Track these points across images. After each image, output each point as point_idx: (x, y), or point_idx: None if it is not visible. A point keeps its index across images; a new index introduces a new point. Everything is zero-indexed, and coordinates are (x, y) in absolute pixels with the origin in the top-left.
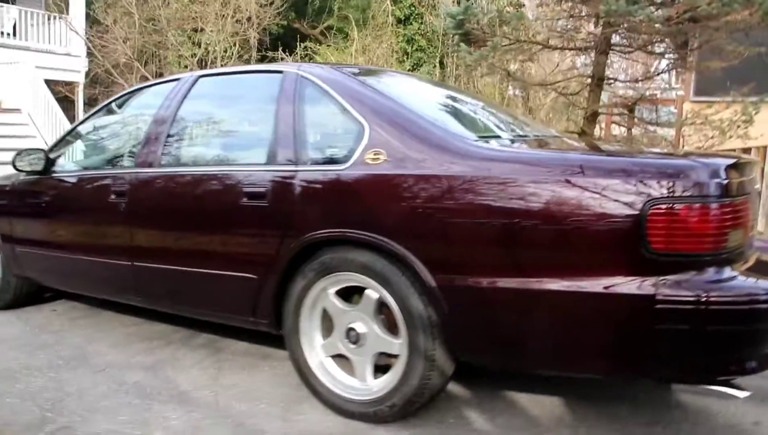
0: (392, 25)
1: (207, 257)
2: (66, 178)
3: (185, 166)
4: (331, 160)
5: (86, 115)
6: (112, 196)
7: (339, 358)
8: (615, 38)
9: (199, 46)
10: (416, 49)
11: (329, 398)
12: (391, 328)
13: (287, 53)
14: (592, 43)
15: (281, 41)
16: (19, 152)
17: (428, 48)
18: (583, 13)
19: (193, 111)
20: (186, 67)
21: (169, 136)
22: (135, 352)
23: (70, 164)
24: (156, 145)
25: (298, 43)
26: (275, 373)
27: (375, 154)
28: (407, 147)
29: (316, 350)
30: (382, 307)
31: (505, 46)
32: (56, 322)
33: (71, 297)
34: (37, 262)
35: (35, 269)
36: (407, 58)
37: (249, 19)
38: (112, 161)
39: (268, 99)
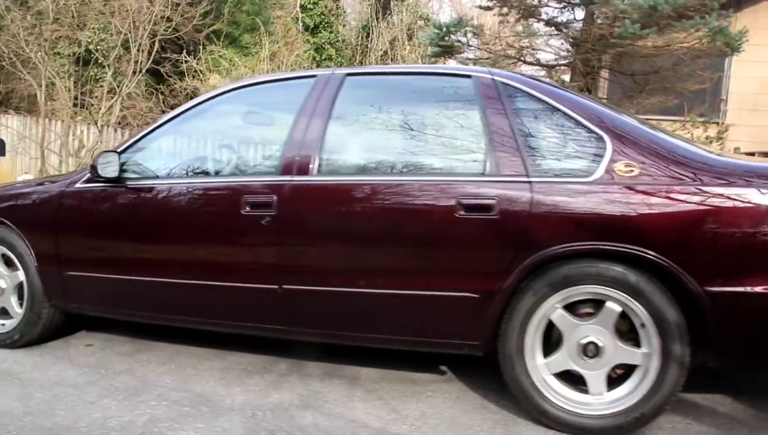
0: (301, 32)
1: (405, 277)
2: (158, 187)
3: (362, 174)
4: (568, 172)
5: (170, 116)
6: (247, 209)
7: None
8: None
9: (79, 45)
10: (325, 58)
11: (558, 416)
12: (624, 338)
13: (190, 56)
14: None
15: (167, 43)
16: (99, 155)
17: (336, 57)
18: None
19: (354, 112)
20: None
21: (325, 140)
22: (260, 389)
23: (153, 171)
24: (309, 150)
25: (198, 46)
26: (446, 397)
27: (627, 167)
28: (659, 159)
29: (538, 368)
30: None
31: (484, 58)
32: (112, 359)
33: (91, 328)
34: (99, 288)
35: (93, 297)
36: (315, 67)
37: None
38: (233, 168)
39: (460, 104)
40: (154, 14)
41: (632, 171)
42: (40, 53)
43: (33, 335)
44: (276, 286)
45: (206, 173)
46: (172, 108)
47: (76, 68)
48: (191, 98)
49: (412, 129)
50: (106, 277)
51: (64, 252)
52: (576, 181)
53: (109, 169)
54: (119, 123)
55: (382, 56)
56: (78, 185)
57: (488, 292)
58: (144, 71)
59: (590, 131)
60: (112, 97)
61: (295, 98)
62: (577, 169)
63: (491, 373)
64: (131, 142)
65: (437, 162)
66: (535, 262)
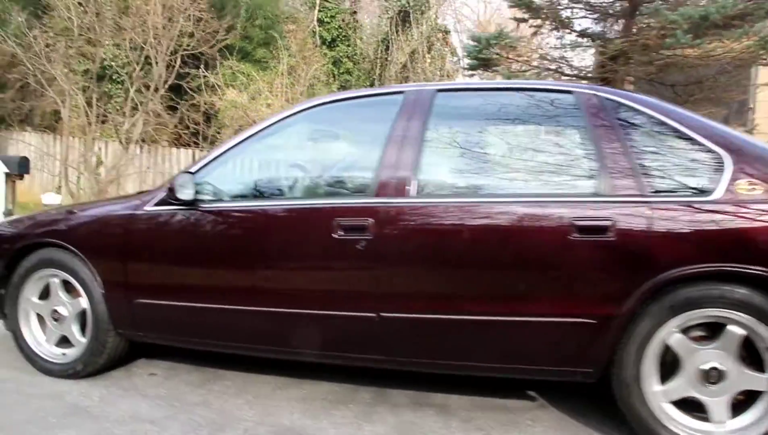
0: (318, 45)
1: (514, 303)
2: (237, 210)
3: (463, 195)
4: (686, 191)
5: (246, 134)
6: (340, 233)
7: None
8: None
9: (93, 61)
10: (343, 72)
11: None
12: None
13: (207, 70)
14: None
15: (187, 58)
16: (177, 176)
17: (354, 71)
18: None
19: (448, 130)
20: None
21: (421, 160)
22: (349, 421)
23: (230, 193)
24: (405, 170)
25: (214, 61)
26: (546, 426)
27: (749, 185)
28: None
29: (656, 395)
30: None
31: (522, 71)
32: (182, 389)
33: (150, 355)
34: (172, 316)
35: (164, 325)
36: (334, 81)
37: (155, 35)
38: (318, 189)
39: (563, 121)
40: (178, 29)
41: (755, 189)
42: (65, 69)
43: (97, 366)
44: (373, 314)
45: (289, 195)
46: (195, 123)
47: (90, 85)
48: (208, 114)
49: (512, 148)
50: (180, 304)
51: (134, 279)
52: (696, 201)
53: (185, 191)
54: (143, 139)
55: (401, 69)
56: (148, 208)
57: (606, 317)
58: (167, 86)
59: (706, 148)
60: (134, 113)
61: (383, 115)
62: (695, 188)
63: (584, 398)
64: (206, 162)
65: (544, 182)
66: (656, 285)
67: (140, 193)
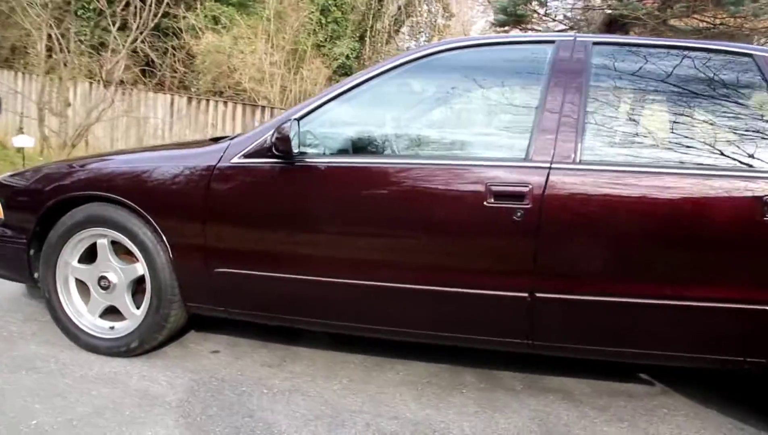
0: None
1: (692, 286)
2: (356, 167)
3: (637, 163)
4: None
5: (360, 78)
6: (491, 200)
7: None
8: None
9: None
10: (330, 21)
11: None
12: None
13: (189, 11)
14: None
15: None
16: (281, 123)
17: (342, 21)
18: None
19: (611, 89)
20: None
21: (586, 121)
22: (475, 411)
23: (340, 147)
24: (568, 132)
25: (192, 2)
26: (684, 415)
27: None
28: None
29: None
30: None
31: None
32: (262, 373)
33: (198, 328)
34: (263, 289)
35: (252, 300)
36: (321, 29)
37: None
38: (457, 149)
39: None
40: None
41: None
42: None
43: (154, 343)
44: (525, 294)
45: (418, 153)
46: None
47: (66, 18)
48: (184, 60)
49: (690, 112)
50: (277, 276)
51: (215, 244)
52: None
53: (293, 142)
54: (122, 81)
55: (393, 22)
56: (236, 160)
57: None
58: (153, 24)
59: None
60: (113, 54)
61: (531, 67)
62: None
63: (700, 384)
64: (310, 108)
65: (728, 154)
66: None
67: (214, 139)
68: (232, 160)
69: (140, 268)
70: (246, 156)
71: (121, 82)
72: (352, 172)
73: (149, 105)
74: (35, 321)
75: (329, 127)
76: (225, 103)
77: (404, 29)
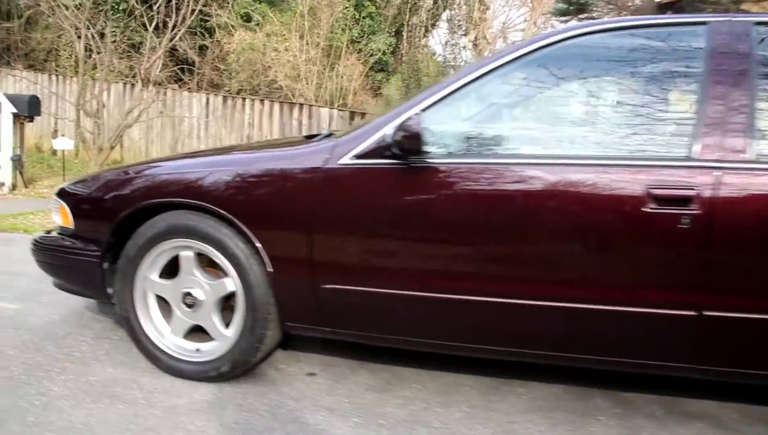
0: None
1: None
2: (490, 169)
3: None
4: None
5: (482, 69)
6: (652, 205)
7: None
8: None
9: None
10: (365, 16)
11: None
12: None
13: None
14: None
15: None
16: (408, 119)
17: (376, 15)
18: None
19: None
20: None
21: (753, 114)
22: None
23: (468, 145)
24: (735, 127)
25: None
26: None
27: None
28: None
29: None
30: None
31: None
32: (368, 398)
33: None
34: (381, 307)
35: (367, 319)
36: (355, 25)
37: None
38: (605, 147)
39: None
40: None
41: None
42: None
43: (248, 366)
44: (692, 313)
45: (563, 152)
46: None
47: (102, 19)
48: (217, 58)
49: None
50: (400, 293)
51: (324, 256)
52: None
53: (421, 139)
54: (159, 82)
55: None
56: (347, 161)
57: None
58: (191, 22)
59: None
60: (149, 53)
61: (683, 52)
62: None
63: None
64: (432, 101)
65: None
66: None
67: (308, 137)
68: (341, 161)
69: (230, 283)
70: (358, 156)
71: (158, 82)
72: (489, 174)
73: (184, 105)
74: (107, 340)
75: (450, 123)
76: (261, 101)
77: (440, 23)
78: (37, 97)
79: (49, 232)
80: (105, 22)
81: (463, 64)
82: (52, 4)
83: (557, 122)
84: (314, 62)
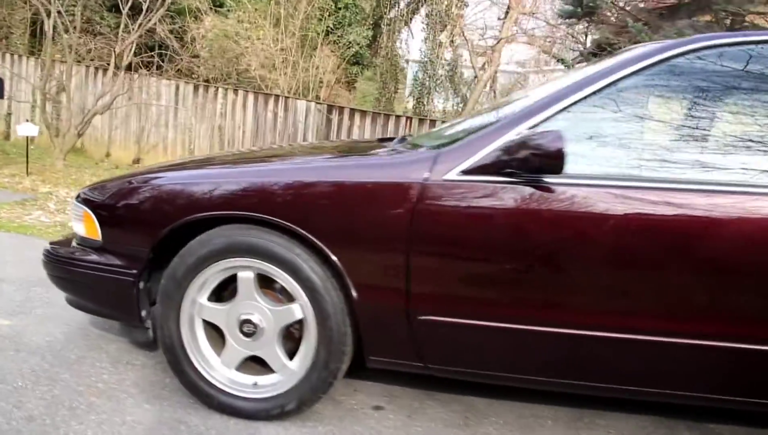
0: None
1: None
2: (637, 194)
3: None
4: None
5: (605, 78)
6: None
7: None
8: None
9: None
10: (342, 7)
11: None
12: None
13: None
14: None
15: None
16: (540, 134)
17: (353, 7)
18: None
19: None
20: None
21: None
22: None
23: (602, 165)
24: None
25: None
26: None
27: None
28: None
29: None
30: None
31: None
32: None
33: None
34: (495, 342)
35: (473, 354)
36: (329, 17)
37: None
38: None
39: None
40: None
41: None
42: None
43: (314, 403)
44: None
45: (731, 178)
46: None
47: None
48: (186, 43)
49: None
50: (514, 328)
51: (424, 284)
52: None
53: (562, 159)
54: (131, 67)
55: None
56: (455, 177)
57: None
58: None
59: None
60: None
61: None
62: None
63: None
64: (549, 112)
65: None
66: None
67: (382, 140)
68: (448, 176)
69: (298, 310)
70: (467, 171)
71: (128, 68)
72: (642, 198)
73: (152, 92)
74: (129, 365)
75: (588, 136)
76: (235, 91)
77: (416, 17)
78: (1, 79)
79: (64, 240)
80: (75, 1)
81: (439, 60)
82: None
83: (729, 144)
84: (289, 52)
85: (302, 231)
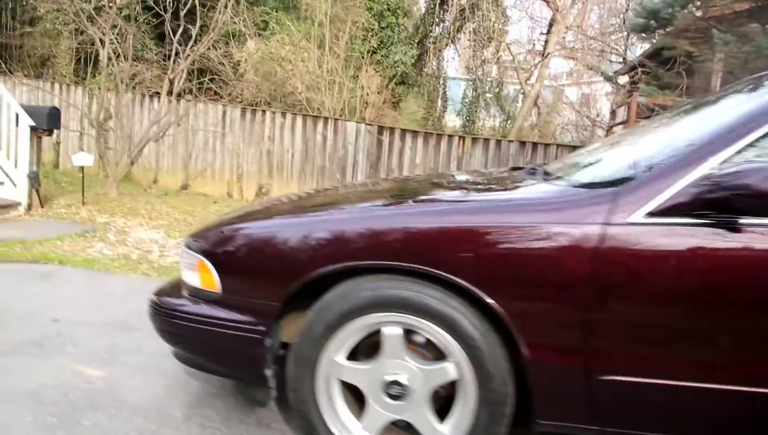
0: None
1: None
2: None
3: None
4: None
5: None
6: None
7: None
8: None
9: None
10: (384, 27)
11: None
12: None
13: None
14: None
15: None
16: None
17: (395, 27)
18: None
19: None
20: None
21: None
22: None
23: None
24: None
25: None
26: None
27: None
28: None
29: None
30: None
31: None
32: None
33: None
34: (697, 404)
35: (664, 416)
36: (373, 36)
37: None
38: None
39: None
40: None
41: None
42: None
43: None
44: None
45: None
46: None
47: (125, 25)
48: (231, 68)
49: None
50: (709, 387)
51: (607, 340)
52: None
53: None
54: (180, 94)
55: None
56: (639, 219)
57: None
58: (220, 33)
59: None
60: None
61: None
62: None
63: None
64: (737, 145)
65: None
66: None
67: (514, 169)
68: (632, 219)
69: (452, 369)
70: (653, 213)
71: (179, 94)
72: None
73: (199, 116)
74: (243, 425)
75: None
76: (283, 114)
77: (461, 35)
78: (57, 109)
79: (167, 288)
80: (125, 30)
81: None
82: (76, 8)
83: None
84: (335, 73)
85: (464, 283)
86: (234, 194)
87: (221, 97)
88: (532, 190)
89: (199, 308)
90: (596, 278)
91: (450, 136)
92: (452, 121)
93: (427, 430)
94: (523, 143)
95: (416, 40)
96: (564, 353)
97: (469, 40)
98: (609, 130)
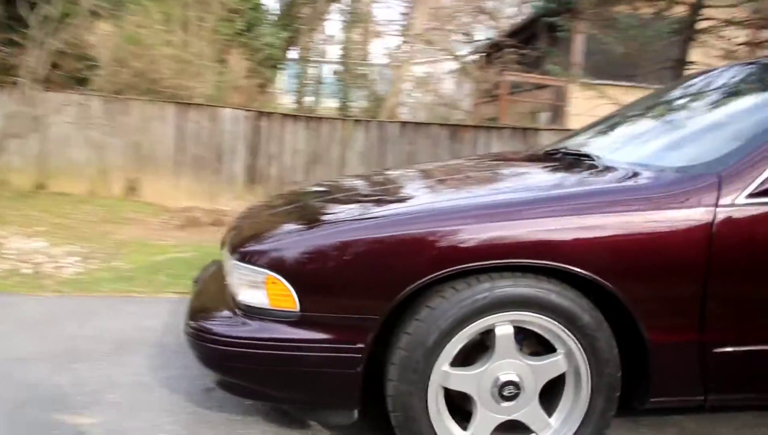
0: None
1: None
2: None
3: None
4: None
5: None
6: None
7: None
8: None
9: None
10: (250, 8)
11: None
12: None
13: None
14: None
15: None
16: None
17: (258, 8)
18: None
19: None
20: None
21: None
22: None
23: None
24: None
25: None
26: None
27: None
28: None
29: None
30: None
31: None
32: None
33: None
34: None
35: None
36: (240, 17)
37: None
38: None
39: None
40: None
41: None
42: None
43: None
44: None
45: None
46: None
47: None
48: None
49: None
50: None
51: (719, 317)
52: None
53: None
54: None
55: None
56: (742, 201)
57: None
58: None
59: None
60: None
61: None
62: None
63: None
64: None
65: None
66: None
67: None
68: (738, 201)
69: (562, 361)
70: (753, 194)
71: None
72: None
73: (49, 108)
74: None
75: None
76: (152, 102)
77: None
78: None
79: (200, 308)
80: None
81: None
82: None
83: None
84: (204, 57)
85: (589, 274)
86: (100, 191)
87: (82, 86)
88: (631, 178)
89: (270, 332)
90: (712, 258)
91: (333, 120)
92: (324, 104)
93: (539, 426)
94: (403, 124)
95: (287, 23)
96: (682, 332)
97: (338, 21)
98: (476, 106)
